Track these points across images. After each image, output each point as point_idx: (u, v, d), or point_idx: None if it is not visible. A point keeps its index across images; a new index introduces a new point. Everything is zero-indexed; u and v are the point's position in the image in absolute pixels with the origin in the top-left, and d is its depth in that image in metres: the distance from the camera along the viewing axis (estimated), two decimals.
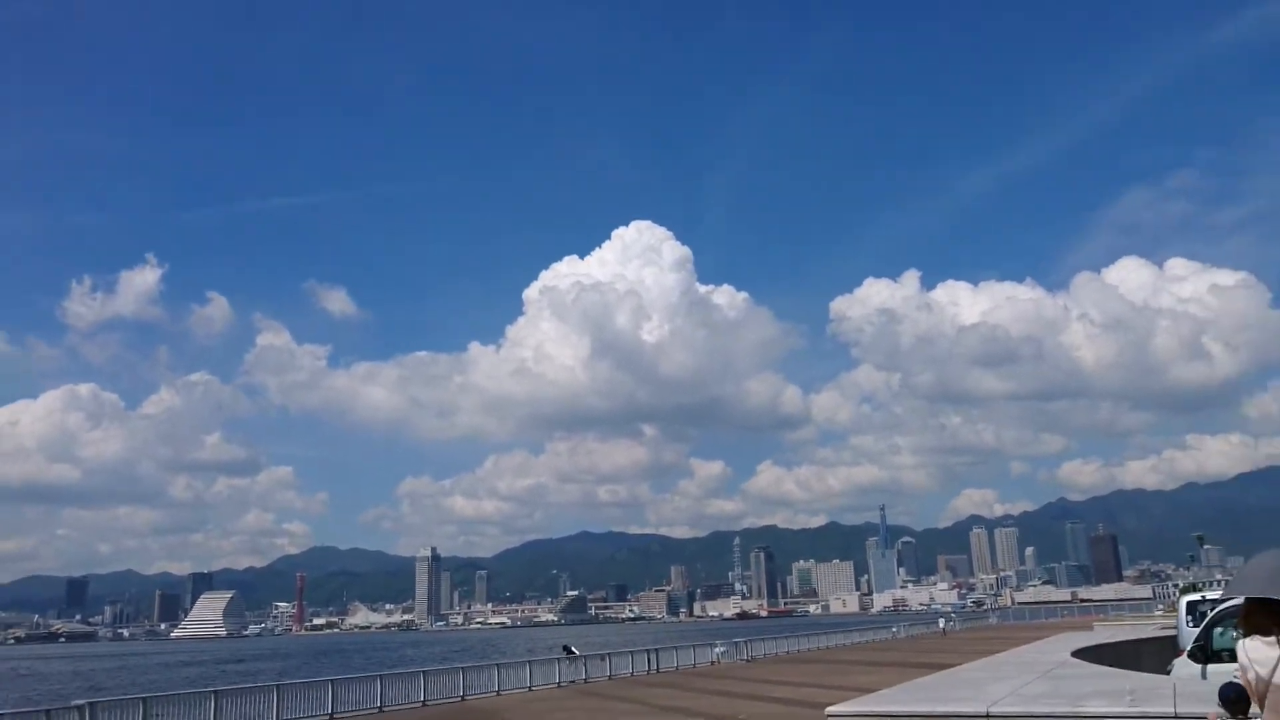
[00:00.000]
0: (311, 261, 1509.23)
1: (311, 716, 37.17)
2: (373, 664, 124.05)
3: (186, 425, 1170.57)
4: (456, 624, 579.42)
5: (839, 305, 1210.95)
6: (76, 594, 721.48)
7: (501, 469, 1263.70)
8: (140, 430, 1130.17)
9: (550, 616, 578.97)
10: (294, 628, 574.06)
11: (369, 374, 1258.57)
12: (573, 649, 54.35)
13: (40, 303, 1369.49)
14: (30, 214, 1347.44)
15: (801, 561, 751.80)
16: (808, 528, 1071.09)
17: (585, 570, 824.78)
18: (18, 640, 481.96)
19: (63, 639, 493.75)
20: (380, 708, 40.13)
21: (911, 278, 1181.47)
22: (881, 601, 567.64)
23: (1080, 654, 27.17)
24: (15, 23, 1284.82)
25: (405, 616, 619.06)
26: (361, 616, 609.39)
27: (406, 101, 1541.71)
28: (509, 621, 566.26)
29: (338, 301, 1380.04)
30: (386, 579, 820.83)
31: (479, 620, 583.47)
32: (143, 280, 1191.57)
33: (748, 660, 68.44)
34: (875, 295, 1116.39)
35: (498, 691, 46.60)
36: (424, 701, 42.26)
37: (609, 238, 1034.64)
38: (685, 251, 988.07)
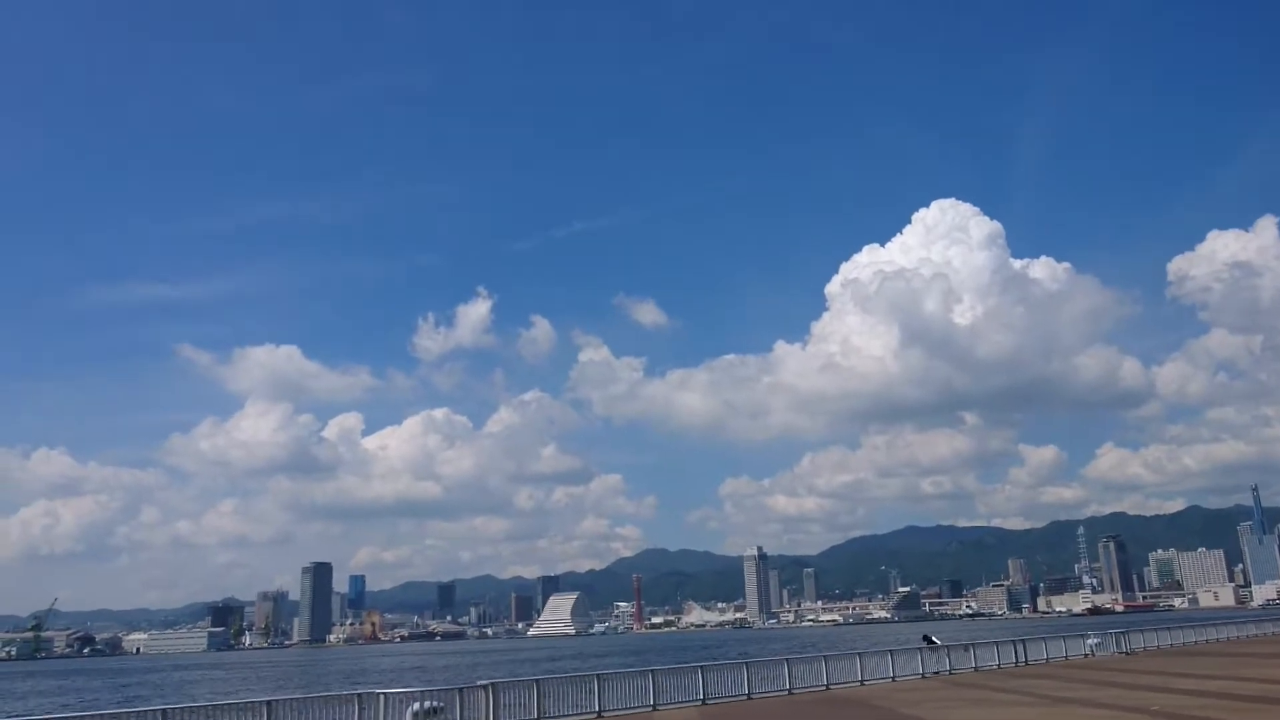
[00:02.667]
0: (620, 277, 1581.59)
1: (686, 702, 38.16)
2: (723, 657, 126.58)
3: (525, 440, 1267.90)
4: (788, 621, 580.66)
5: (1179, 265, 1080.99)
6: (446, 597, 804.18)
7: (819, 466, 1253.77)
8: (487, 447, 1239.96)
9: (883, 613, 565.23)
10: (634, 626, 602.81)
11: (682, 381, 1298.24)
12: (934, 639, 52.10)
13: (396, 339, 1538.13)
14: (384, 261, 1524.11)
15: (1160, 551, 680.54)
16: (1162, 513, 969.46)
17: (914, 565, 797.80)
18: (402, 639, 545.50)
19: (438, 638, 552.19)
20: (749, 695, 40.49)
21: (1268, 224, 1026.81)
22: (1263, 594, 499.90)
23: None
24: (351, 105, 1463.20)
25: (737, 614, 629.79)
26: (696, 615, 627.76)
27: (690, 110, 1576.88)
28: (840, 619, 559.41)
29: (648, 313, 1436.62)
30: (716, 578, 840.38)
31: (810, 618, 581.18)
32: (476, 312, 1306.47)
33: (1126, 653, 62.49)
34: (1223, 249, 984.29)
35: (861, 681, 45.60)
36: (790, 690, 42.14)
37: (909, 221, 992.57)
38: (995, 226, 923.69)
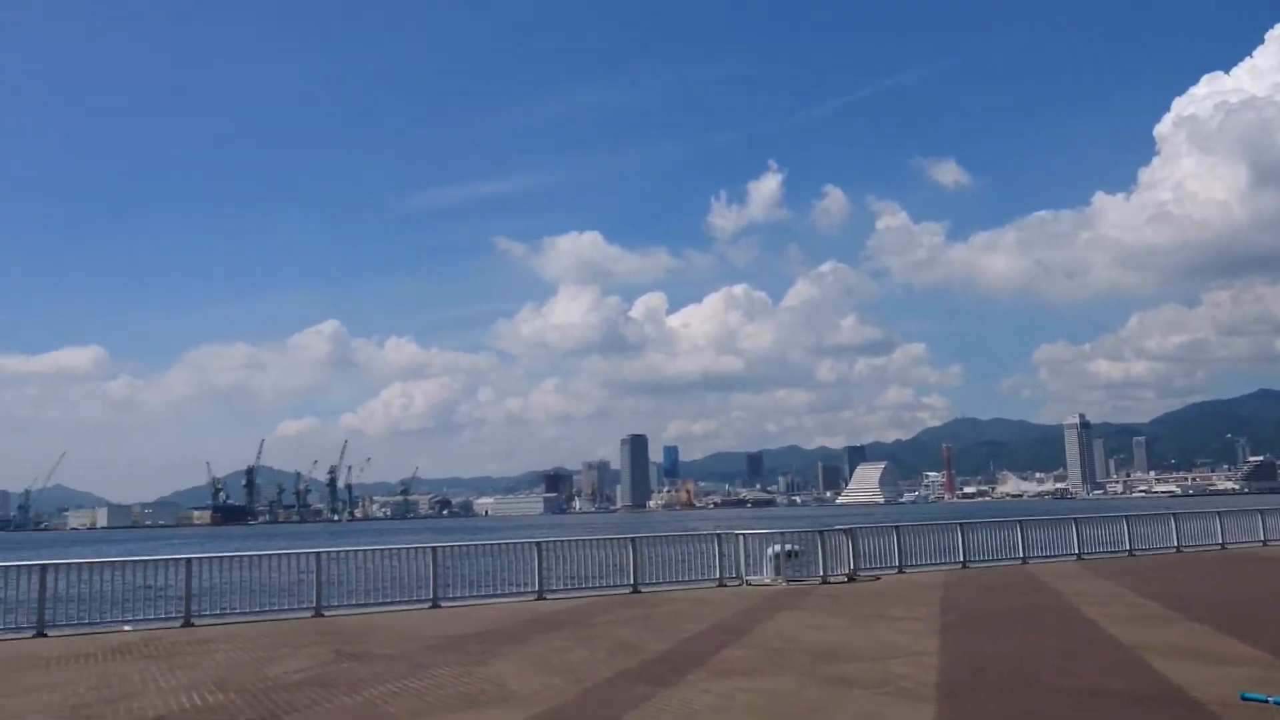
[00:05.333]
0: (917, 137, 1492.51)
1: (1059, 556, 35.02)
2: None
3: (823, 312, 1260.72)
4: (1115, 492, 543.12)
5: None
6: (754, 466, 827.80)
7: (1148, 326, 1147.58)
8: (786, 321, 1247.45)
9: (1229, 485, 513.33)
10: (945, 495, 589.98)
11: (988, 243, 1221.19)
12: None
13: (690, 219, 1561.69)
14: (675, 142, 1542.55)
15: None
16: None
17: (1268, 433, 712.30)
18: (715, 505, 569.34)
19: (749, 504, 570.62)
20: (1130, 551, 36.59)
21: None
22: None
23: None
24: None
25: (1057, 485, 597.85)
26: (1012, 485, 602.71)
27: None
28: (1178, 490, 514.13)
29: (949, 173, 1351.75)
30: (1032, 447, 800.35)
31: (1141, 489, 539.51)
32: (767, 186, 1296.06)
33: None
34: None
35: (1264, 541, 39.85)
36: (1178, 547, 37.54)
37: (1261, 41, 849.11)
38: None
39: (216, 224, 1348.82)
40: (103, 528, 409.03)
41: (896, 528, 32.85)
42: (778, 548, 29.84)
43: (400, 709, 12.70)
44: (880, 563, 31.65)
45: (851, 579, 29.79)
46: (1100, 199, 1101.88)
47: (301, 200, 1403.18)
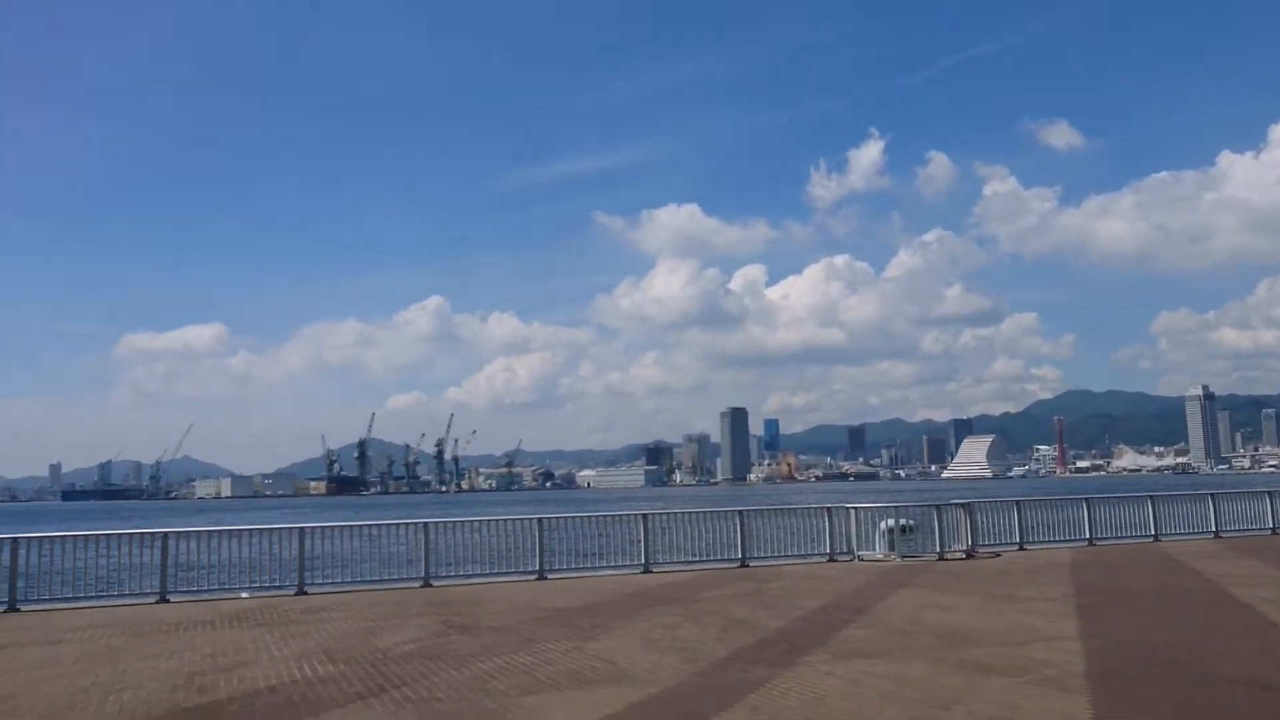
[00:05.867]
0: (1026, 99, 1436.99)
1: (1196, 534, 32.93)
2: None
3: (927, 282, 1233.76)
4: (1242, 467, 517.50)
5: None
6: (856, 439, 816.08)
7: (1279, 293, 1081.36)
8: (889, 292, 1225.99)
9: None
10: (1057, 470, 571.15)
11: (1102, 207, 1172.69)
12: None
13: (789, 190, 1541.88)
14: (771, 112, 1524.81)
15: None
16: None
17: None
18: (817, 479, 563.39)
19: (851, 478, 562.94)
20: (1274, 529, 34.16)
21: None
22: None
23: None
24: None
25: (1178, 459, 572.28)
26: (1129, 459, 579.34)
27: None
28: None
29: (1061, 135, 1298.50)
30: (1149, 420, 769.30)
31: (1271, 463, 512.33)
32: (868, 154, 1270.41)
33: None
34: None
35: None
36: (1275, 529, 34.74)
37: None
38: None
39: (325, 204, 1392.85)
40: (227, 497, 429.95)
41: (1017, 502, 31.36)
42: (891, 522, 28.75)
43: (509, 686, 12.29)
44: (999, 539, 30.30)
45: (970, 555, 28.60)
46: (1226, 158, 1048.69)
47: (405, 178, 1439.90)
